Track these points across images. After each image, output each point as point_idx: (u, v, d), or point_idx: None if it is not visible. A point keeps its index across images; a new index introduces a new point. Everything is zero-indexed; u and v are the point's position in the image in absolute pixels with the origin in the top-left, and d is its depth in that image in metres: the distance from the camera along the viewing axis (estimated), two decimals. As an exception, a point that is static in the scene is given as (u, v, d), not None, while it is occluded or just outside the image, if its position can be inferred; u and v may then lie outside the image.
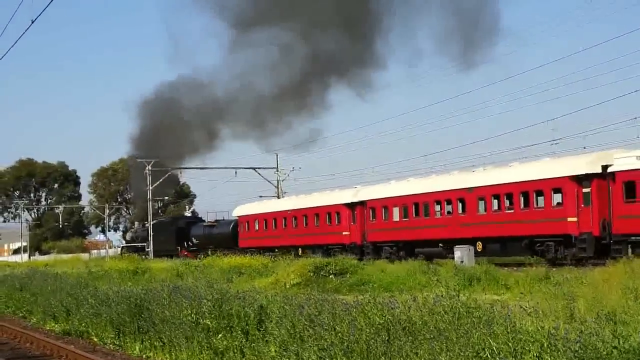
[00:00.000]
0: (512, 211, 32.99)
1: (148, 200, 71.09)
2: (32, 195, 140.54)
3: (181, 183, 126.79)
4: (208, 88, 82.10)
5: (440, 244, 36.59)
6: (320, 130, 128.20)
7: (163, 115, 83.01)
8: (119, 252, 74.59)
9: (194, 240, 63.09)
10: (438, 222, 37.37)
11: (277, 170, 72.64)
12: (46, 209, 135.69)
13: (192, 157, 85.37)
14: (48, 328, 22.56)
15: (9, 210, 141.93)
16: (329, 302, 12.54)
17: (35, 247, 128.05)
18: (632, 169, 27.84)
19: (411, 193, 39.37)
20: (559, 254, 30.91)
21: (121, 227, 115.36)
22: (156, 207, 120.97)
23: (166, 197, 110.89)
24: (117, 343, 17.32)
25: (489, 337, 8.98)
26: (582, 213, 29.74)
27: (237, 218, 57.31)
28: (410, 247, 38.89)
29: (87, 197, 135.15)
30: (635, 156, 28.34)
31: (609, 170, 28.77)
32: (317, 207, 46.77)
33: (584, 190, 29.81)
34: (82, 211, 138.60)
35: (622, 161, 28.46)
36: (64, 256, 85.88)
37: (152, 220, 69.00)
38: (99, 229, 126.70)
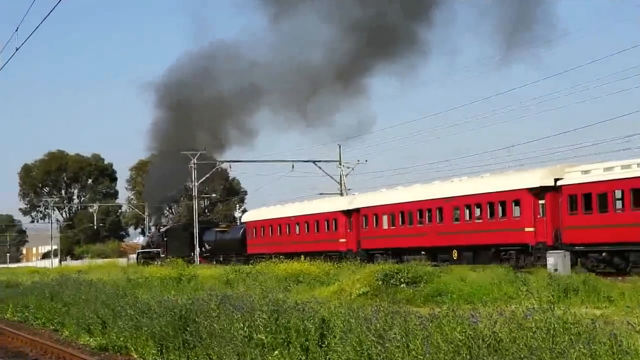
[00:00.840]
0: (481, 221, 39.83)
1: (193, 198, 71.91)
2: (63, 192, 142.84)
3: (230, 178, 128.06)
4: (246, 69, 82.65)
5: (422, 252, 42.40)
6: (369, 120, 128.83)
7: (197, 98, 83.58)
8: (135, 259, 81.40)
9: (206, 246, 69.41)
10: (420, 230, 44.01)
11: (340, 164, 72.60)
12: (79, 207, 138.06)
13: (235, 148, 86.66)
14: (82, 342, 23.05)
15: (37, 209, 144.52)
16: (401, 315, 12.50)
17: (67, 251, 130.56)
18: (575, 183, 34.40)
19: (398, 202, 46.10)
20: (520, 262, 36.35)
21: (163, 229, 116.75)
22: (202, 206, 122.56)
23: (213, 195, 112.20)
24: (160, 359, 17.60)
25: (589, 358, 8.83)
26: (539, 223, 36.55)
27: (245, 224, 64.87)
28: (399, 255, 44.66)
29: (124, 195, 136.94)
30: (580, 171, 34.85)
31: (558, 183, 35.48)
32: (316, 214, 53.87)
33: (540, 202, 36.57)
34: (119, 210, 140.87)
35: (569, 175, 35.13)
36: (99, 261, 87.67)
37: (167, 226, 76.91)
38: (138, 230, 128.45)
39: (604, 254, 33.12)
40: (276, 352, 13.83)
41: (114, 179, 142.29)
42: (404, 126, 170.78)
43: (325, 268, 34.28)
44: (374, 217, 48.28)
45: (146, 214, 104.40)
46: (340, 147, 73.41)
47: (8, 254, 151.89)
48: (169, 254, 69.05)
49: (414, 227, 44.48)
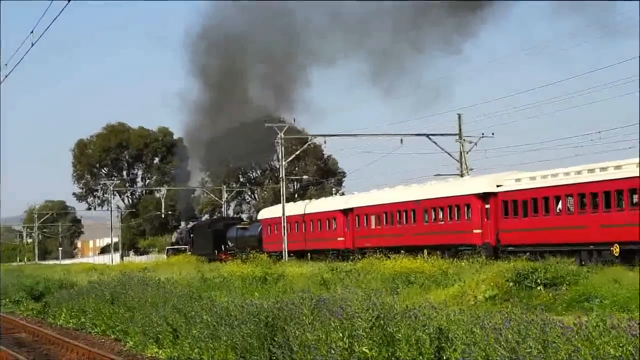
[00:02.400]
0: (443, 223, 51.40)
1: (280, 179, 72.55)
2: (124, 173, 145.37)
3: (325, 157, 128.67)
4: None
5: (402, 251, 50.01)
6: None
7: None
8: (165, 255, 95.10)
9: (229, 243, 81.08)
10: (399, 230, 55.78)
11: (460, 138, 72.02)
12: (143, 192, 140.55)
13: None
14: (149, 354, 23.59)
15: (94, 194, 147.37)
16: (538, 325, 12.39)
17: (129, 244, 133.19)
18: (507, 190, 46.63)
19: (383, 202, 58.20)
20: None
21: (244, 216, 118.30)
22: (292, 189, 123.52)
23: (305, 177, 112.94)
24: (242, 377, 17.87)
25: None
26: (485, 226, 47.94)
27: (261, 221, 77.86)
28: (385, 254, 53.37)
29: (197, 176, 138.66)
30: (514, 179, 46.89)
31: (496, 190, 47.39)
32: (320, 212, 67.06)
33: (486, 206, 48.08)
34: (192, 195, 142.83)
35: (506, 183, 47.21)
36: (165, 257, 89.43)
37: (194, 223, 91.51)
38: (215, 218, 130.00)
39: (527, 254, 41.68)
40: (383, 368, 13.91)
41: (185, 158, 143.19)
42: (544, 90, 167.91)
43: (443, 266, 34.20)
44: (365, 216, 60.42)
45: (224, 199, 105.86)
46: (459, 118, 72.75)
47: (60, 249, 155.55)
48: (194, 251, 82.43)
49: (394, 227, 56.54)
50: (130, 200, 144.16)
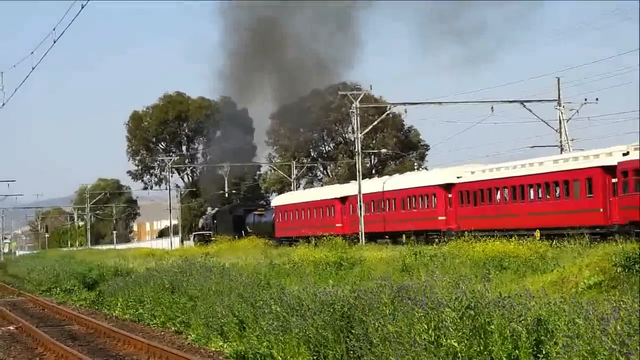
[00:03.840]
0: (416, 210, 64.89)
1: (356, 154, 72.49)
2: (183, 148, 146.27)
3: (405, 128, 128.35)
4: None
5: (386, 236, 66.85)
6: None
7: None
8: (192, 242, 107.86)
9: (247, 229, 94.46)
10: (384, 217, 68.65)
11: (559, 105, 71.27)
12: (204, 169, 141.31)
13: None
14: (214, 349, 23.82)
15: (151, 171, 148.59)
16: (651, 315, 12.23)
17: (190, 226, 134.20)
18: (462, 182, 59.53)
19: (372, 191, 70.38)
20: None
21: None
22: (368, 164, 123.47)
23: (383, 150, 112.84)
24: (317, 373, 17.96)
25: None
26: (448, 213, 60.89)
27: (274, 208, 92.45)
28: (374, 238, 68.75)
29: (264, 151, 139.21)
30: (470, 171, 59.66)
31: (454, 182, 60.31)
32: (318, 200, 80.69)
33: (449, 195, 61.05)
34: (258, 171, 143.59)
35: (464, 175, 59.95)
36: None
37: (216, 209, 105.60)
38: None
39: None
40: (474, 364, 13.86)
41: (250, 130, 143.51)
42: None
43: (540, 249, 33.97)
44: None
45: (293, 176, 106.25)
46: (558, 82, 71.91)
47: (115, 232, 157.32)
48: (217, 236, 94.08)
49: (379, 214, 69.40)
50: (191, 179, 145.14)
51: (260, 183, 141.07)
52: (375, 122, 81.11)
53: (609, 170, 46.69)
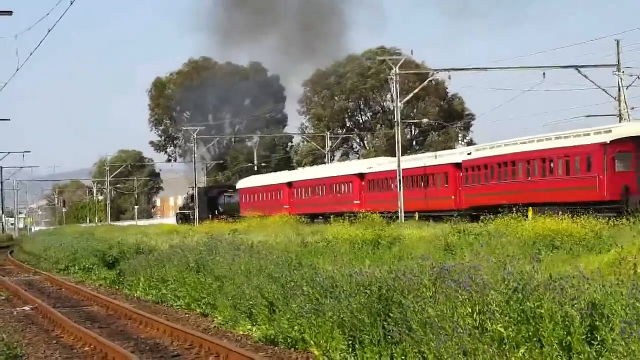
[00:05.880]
0: (340, 195, 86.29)
1: (396, 124, 72.49)
2: (210, 118, 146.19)
3: (449, 96, 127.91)
4: None
5: (320, 217, 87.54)
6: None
7: None
8: (175, 221, 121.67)
9: (220, 208, 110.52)
10: (320, 201, 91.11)
11: (619, 70, 70.71)
12: (233, 140, 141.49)
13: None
14: (242, 332, 23.89)
15: (175, 142, 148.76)
16: None
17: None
18: (367, 172, 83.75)
19: (318, 177, 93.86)
20: None
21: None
22: (409, 136, 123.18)
23: (425, 120, 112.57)
24: (352, 359, 17.94)
25: None
26: (363, 198, 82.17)
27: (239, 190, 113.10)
28: (315, 218, 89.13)
29: (296, 121, 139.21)
30: (377, 164, 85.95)
31: (365, 172, 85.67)
32: (269, 185, 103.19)
33: (363, 183, 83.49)
34: (290, 143, 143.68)
35: (372, 167, 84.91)
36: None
37: (194, 189, 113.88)
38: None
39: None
40: (522, 350, 13.85)
41: (281, 99, 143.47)
42: None
43: (595, 227, 33.80)
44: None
45: (327, 147, 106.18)
46: (618, 45, 71.27)
47: (136, 207, 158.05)
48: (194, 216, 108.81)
49: (322, 197, 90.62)
50: (217, 150, 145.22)
51: (292, 155, 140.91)
52: (417, 90, 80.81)
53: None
